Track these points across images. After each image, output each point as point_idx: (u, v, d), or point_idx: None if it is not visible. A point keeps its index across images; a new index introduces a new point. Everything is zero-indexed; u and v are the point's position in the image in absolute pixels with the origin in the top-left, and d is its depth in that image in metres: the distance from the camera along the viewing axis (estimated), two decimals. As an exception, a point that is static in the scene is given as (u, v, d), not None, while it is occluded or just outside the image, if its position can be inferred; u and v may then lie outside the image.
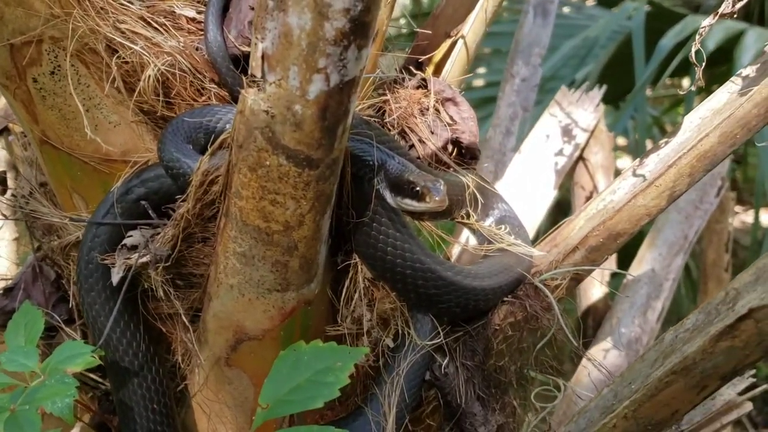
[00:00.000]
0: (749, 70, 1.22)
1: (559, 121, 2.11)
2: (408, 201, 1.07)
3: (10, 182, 1.57)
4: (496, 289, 1.24)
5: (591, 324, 2.38)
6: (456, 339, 1.26)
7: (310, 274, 1.12)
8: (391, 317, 1.23)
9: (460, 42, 1.52)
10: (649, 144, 3.99)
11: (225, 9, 1.15)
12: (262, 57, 0.85)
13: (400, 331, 1.22)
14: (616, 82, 5.07)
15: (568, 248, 1.27)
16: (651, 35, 4.38)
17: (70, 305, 1.36)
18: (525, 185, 1.99)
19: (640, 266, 2.24)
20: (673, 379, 0.88)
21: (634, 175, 1.30)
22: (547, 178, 2.03)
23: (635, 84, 4.28)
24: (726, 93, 1.23)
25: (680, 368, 0.88)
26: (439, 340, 1.22)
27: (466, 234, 1.76)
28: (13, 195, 1.35)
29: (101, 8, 1.05)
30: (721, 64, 4.24)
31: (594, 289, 2.34)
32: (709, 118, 1.22)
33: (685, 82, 5.63)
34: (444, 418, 1.29)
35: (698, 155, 1.18)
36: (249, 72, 0.88)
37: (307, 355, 1.04)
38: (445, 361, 1.25)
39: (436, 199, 1.03)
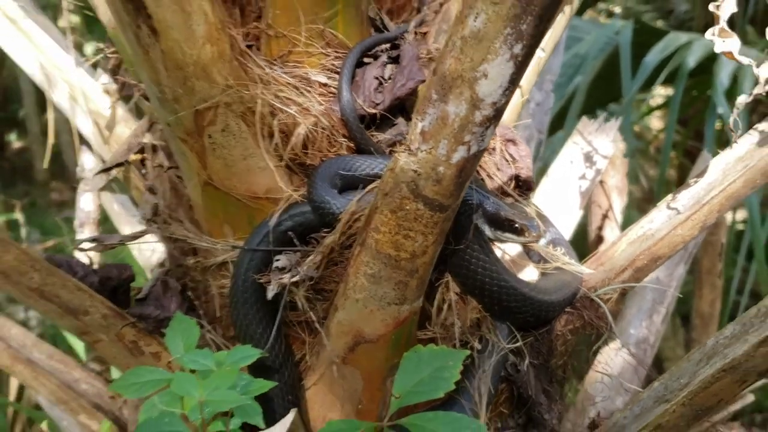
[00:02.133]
0: (765, 125, 1.52)
1: (581, 148, 2.41)
2: (509, 235, 1.35)
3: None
4: (561, 302, 1.54)
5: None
6: (526, 342, 1.55)
7: (421, 291, 1.40)
8: (477, 325, 1.52)
9: (517, 90, 1.81)
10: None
11: (352, 76, 1.42)
12: (420, 132, 1.13)
13: (484, 337, 1.51)
14: (604, 93, 5.43)
15: (617, 268, 1.57)
16: (637, 50, 4.71)
17: (199, 313, 1.63)
18: (555, 205, 2.29)
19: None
20: (722, 375, 1.19)
21: (668, 207, 1.61)
22: (573, 199, 2.33)
23: (621, 94, 4.60)
24: (747, 143, 1.53)
25: (728, 367, 1.18)
26: (516, 343, 1.51)
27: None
28: (150, 219, 1.60)
29: (265, 81, 1.31)
30: (699, 75, 4.58)
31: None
32: (733, 164, 1.52)
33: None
34: (515, 407, 1.59)
35: (727, 196, 1.48)
36: (407, 142, 1.16)
37: (426, 356, 1.32)
38: (519, 360, 1.54)
39: (534, 234, 1.32)
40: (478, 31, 1.00)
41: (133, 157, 1.78)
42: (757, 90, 1.38)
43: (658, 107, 6.46)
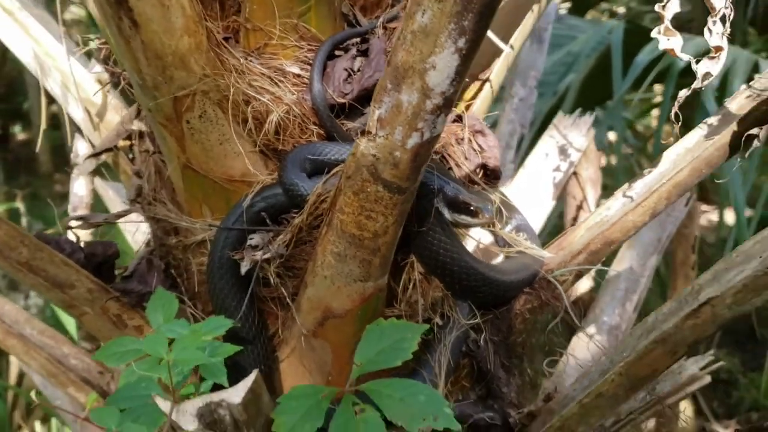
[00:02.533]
0: (714, 120, 1.62)
1: (557, 141, 2.51)
2: (464, 217, 1.45)
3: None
4: (519, 283, 1.64)
5: (578, 313, 2.79)
6: (486, 320, 1.65)
7: (384, 269, 1.50)
8: (439, 302, 1.62)
9: (487, 84, 1.91)
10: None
11: (323, 68, 1.52)
12: (377, 119, 1.23)
13: (446, 314, 1.61)
14: (595, 92, 5.51)
15: (573, 252, 1.67)
16: (628, 49, 4.79)
17: (180, 290, 1.73)
18: (529, 196, 2.39)
19: (620, 264, 2.65)
20: (655, 346, 1.28)
21: (624, 196, 1.71)
22: (547, 190, 2.43)
23: (612, 93, 4.70)
24: (696, 135, 1.62)
25: (660, 339, 1.27)
26: (475, 320, 1.61)
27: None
28: (134, 200, 1.70)
29: (240, 71, 1.41)
30: (690, 76, 4.69)
31: (581, 283, 2.75)
32: (683, 154, 1.62)
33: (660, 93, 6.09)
34: (475, 380, 1.69)
35: (674, 184, 1.58)
36: (366, 128, 1.25)
37: (387, 329, 1.42)
38: (479, 336, 1.64)
39: (487, 216, 1.41)
40: (425, 26, 1.10)
41: (121, 143, 1.88)
42: (696, 85, 1.48)
43: (656, 105, 6.55)
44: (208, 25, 1.37)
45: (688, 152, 1.61)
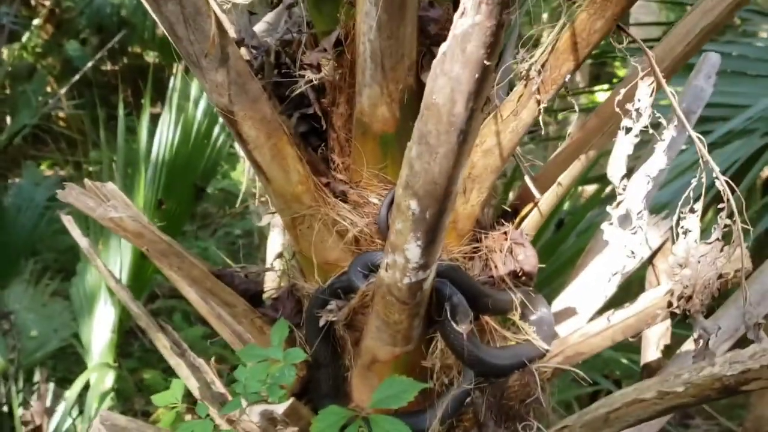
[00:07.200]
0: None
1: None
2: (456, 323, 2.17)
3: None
4: (509, 366, 2.32)
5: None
6: (484, 386, 2.36)
7: (407, 341, 2.27)
8: (453, 366, 2.37)
9: (536, 209, 2.54)
10: None
11: (391, 202, 2.31)
12: (386, 263, 2.00)
13: (453, 376, 2.36)
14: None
15: (554, 353, 2.30)
16: None
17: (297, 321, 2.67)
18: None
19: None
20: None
21: (607, 318, 2.28)
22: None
23: None
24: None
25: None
26: (475, 384, 2.33)
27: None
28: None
29: (331, 205, 2.27)
30: None
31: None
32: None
33: None
34: (473, 425, 2.42)
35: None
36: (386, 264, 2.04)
37: (397, 382, 2.22)
38: (480, 395, 2.37)
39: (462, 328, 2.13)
40: (400, 229, 1.85)
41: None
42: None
43: None
44: (313, 178, 2.23)
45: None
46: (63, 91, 10.58)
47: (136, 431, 2.44)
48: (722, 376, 1.43)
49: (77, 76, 10.28)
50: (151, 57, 11.71)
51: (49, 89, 11.34)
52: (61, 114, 11.54)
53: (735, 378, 1.42)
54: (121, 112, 6.17)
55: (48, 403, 5.69)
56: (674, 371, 1.65)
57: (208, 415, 2.22)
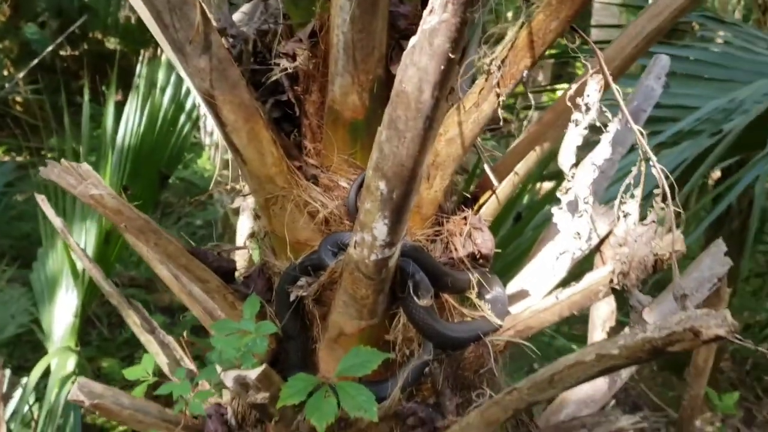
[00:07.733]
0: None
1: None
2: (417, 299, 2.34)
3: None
4: (465, 339, 2.50)
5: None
6: (442, 358, 2.54)
7: (372, 315, 2.44)
8: (411, 339, 2.55)
9: (494, 197, 2.73)
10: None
11: (360, 186, 2.47)
12: (355, 241, 2.16)
13: (413, 348, 2.53)
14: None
15: (507, 326, 2.49)
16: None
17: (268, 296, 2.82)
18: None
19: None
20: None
21: (556, 297, 2.48)
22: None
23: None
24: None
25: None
26: (433, 356, 2.51)
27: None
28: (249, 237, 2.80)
29: (303, 187, 2.42)
30: None
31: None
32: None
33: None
34: (432, 393, 2.60)
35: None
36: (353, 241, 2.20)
37: (362, 352, 2.38)
38: (438, 366, 2.55)
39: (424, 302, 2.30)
40: (369, 209, 2.02)
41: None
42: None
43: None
44: (286, 161, 2.38)
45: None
46: (21, 75, 10.46)
47: (111, 398, 2.56)
48: (652, 338, 1.63)
49: (36, 60, 10.18)
50: (112, 44, 11.64)
51: (5, 72, 11.19)
52: (18, 98, 11.40)
53: (662, 340, 1.62)
54: (86, 97, 6.20)
55: (4, 389, 5.71)
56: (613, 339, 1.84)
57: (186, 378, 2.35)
